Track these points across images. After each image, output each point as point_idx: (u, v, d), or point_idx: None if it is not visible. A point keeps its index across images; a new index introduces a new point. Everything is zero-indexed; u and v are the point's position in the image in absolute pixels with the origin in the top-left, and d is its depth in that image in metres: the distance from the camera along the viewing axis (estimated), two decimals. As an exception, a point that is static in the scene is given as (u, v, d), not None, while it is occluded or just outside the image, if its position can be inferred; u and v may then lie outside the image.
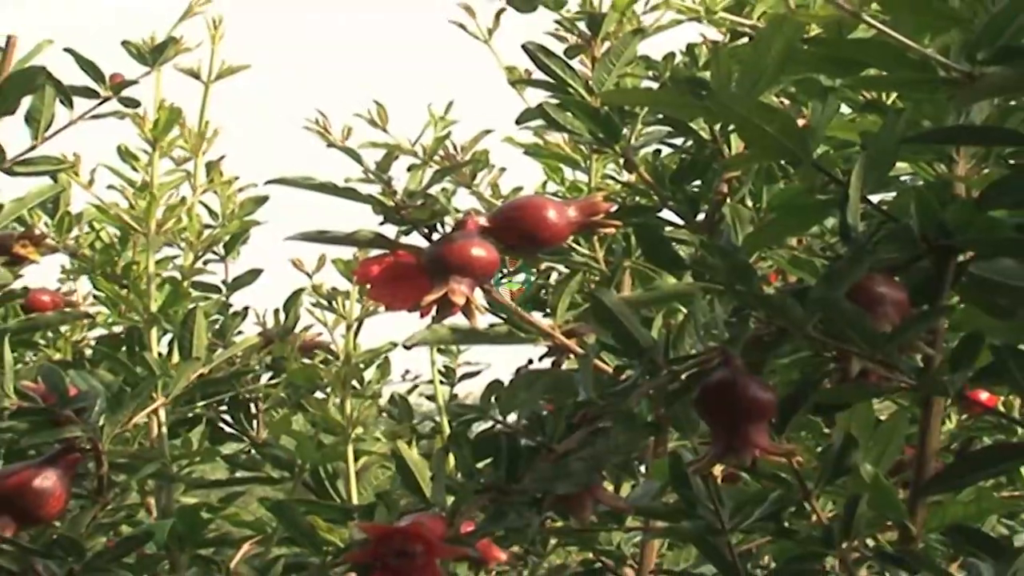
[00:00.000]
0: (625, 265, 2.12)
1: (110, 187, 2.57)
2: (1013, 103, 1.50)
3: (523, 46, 2.08)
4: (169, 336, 2.42)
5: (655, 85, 2.12)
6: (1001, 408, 1.70)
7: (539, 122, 2.16)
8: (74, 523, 1.76)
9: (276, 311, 2.53)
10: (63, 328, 2.51)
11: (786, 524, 1.60)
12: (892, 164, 1.56)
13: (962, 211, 1.46)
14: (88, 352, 2.55)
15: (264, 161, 2.54)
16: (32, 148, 2.07)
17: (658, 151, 2.03)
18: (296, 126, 2.35)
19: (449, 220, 1.63)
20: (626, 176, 2.04)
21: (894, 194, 1.57)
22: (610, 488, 1.55)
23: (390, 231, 1.64)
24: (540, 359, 1.94)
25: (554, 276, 2.26)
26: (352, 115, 2.41)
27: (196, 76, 2.58)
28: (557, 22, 2.23)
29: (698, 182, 1.93)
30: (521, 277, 2.33)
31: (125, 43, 2.24)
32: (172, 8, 2.36)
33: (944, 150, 1.58)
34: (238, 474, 2.46)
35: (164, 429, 2.28)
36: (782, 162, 1.66)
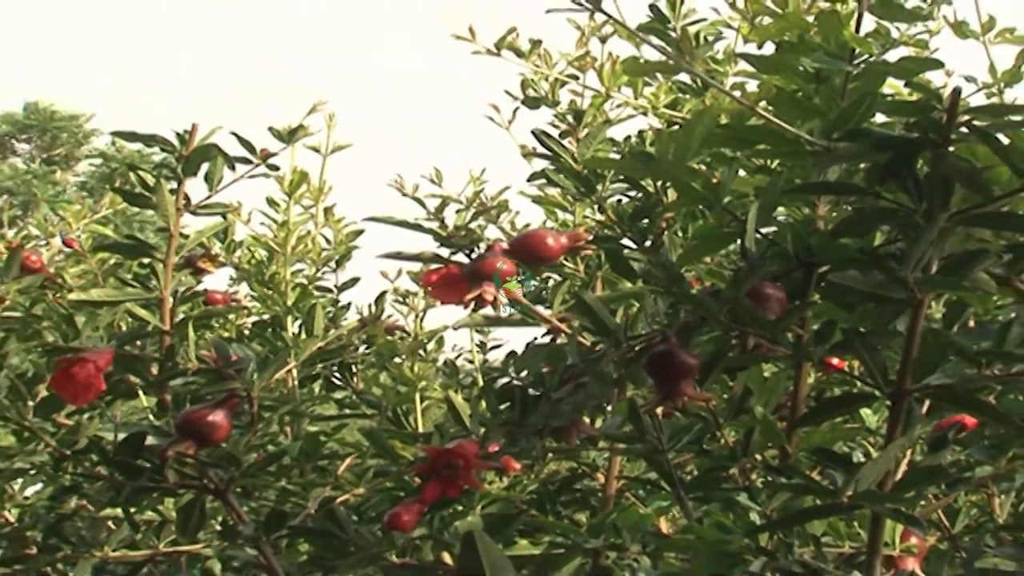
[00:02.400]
0: (598, 275, 2.11)
1: (261, 223, 2.57)
2: (854, 167, 1.48)
3: (532, 131, 2.08)
4: (299, 321, 2.41)
5: (618, 156, 2.10)
6: (846, 369, 1.68)
7: (542, 181, 2.16)
8: (234, 445, 1.74)
9: (369, 305, 2.51)
10: (230, 316, 2.49)
11: (704, 446, 1.58)
12: (775, 208, 1.54)
13: (821, 239, 1.44)
14: (246, 332, 2.53)
15: (355, 203, 2.54)
16: (208, 197, 2.06)
17: (620, 199, 2.01)
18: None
19: (482, 245, 1.61)
20: (599, 216, 2.02)
21: (775, 228, 1.54)
22: (588, 421, 1.53)
23: (443, 252, 1.63)
24: (542, 337, 1.92)
25: (551, 282, 2.24)
26: (420, 176, 2.42)
27: (317, 151, 2.57)
28: (554, 115, 2.21)
29: (646, 220, 1.90)
30: (530, 283, 2.32)
31: (270, 128, 2.23)
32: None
33: (809, 198, 1.56)
34: (344, 412, 2.45)
35: (295, 382, 2.27)
36: (701, 207, 1.63)
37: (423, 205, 2.40)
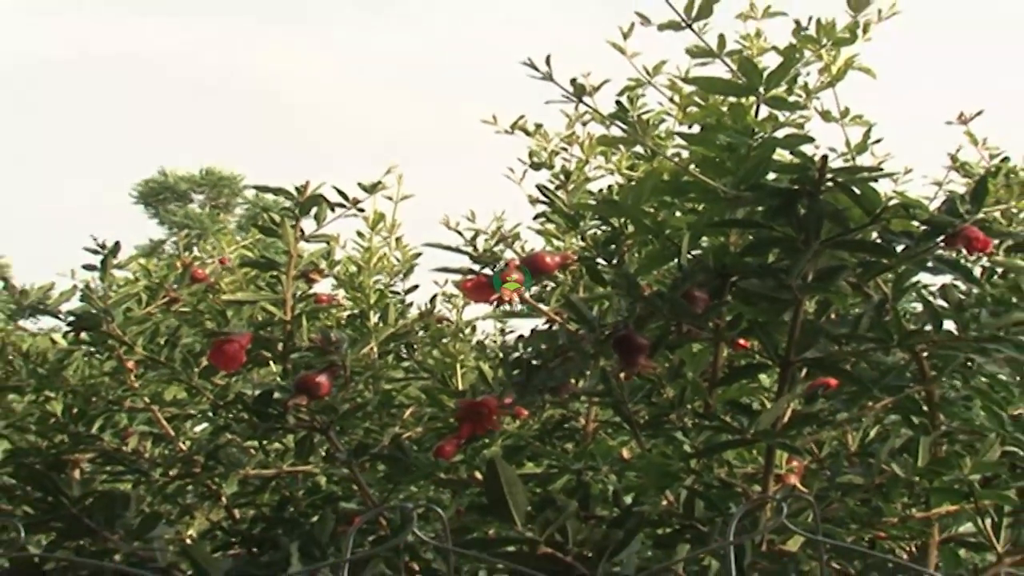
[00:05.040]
0: (580, 283, 2.09)
1: (353, 247, 2.55)
2: (755, 209, 1.46)
3: (536, 185, 2.06)
4: (378, 315, 2.38)
5: (594, 202, 2.08)
6: (750, 347, 1.65)
7: (543, 219, 2.14)
8: (334, 398, 1.72)
9: (426, 303, 2.48)
10: (331, 311, 2.46)
11: (652, 399, 1.56)
12: (701, 237, 1.53)
13: (733, 258, 1.43)
14: (342, 322, 2.50)
15: (416, 233, 2.50)
16: (317, 230, 2.05)
17: (596, 232, 1.99)
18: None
19: (502, 263, 1.60)
20: (581, 243, 2.00)
21: (701, 251, 1.52)
22: (573, 382, 1.50)
23: (475, 267, 1.61)
24: (542, 325, 1.90)
25: (549, 287, 2.22)
26: (459, 215, 2.40)
27: (390, 199, 2.54)
28: (551, 174, 2.21)
29: (613, 245, 1.88)
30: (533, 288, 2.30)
31: (359, 183, 2.21)
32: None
33: (724, 230, 1.54)
34: (408, 376, 2.42)
35: (376, 355, 2.24)
36: (651, 236, 1.61)
37: (461, 235, 2.38)
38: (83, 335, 1.97)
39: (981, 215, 1.34)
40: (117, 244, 2.03)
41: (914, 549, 1.57)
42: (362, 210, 2.17)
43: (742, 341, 1.54)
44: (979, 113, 2.36)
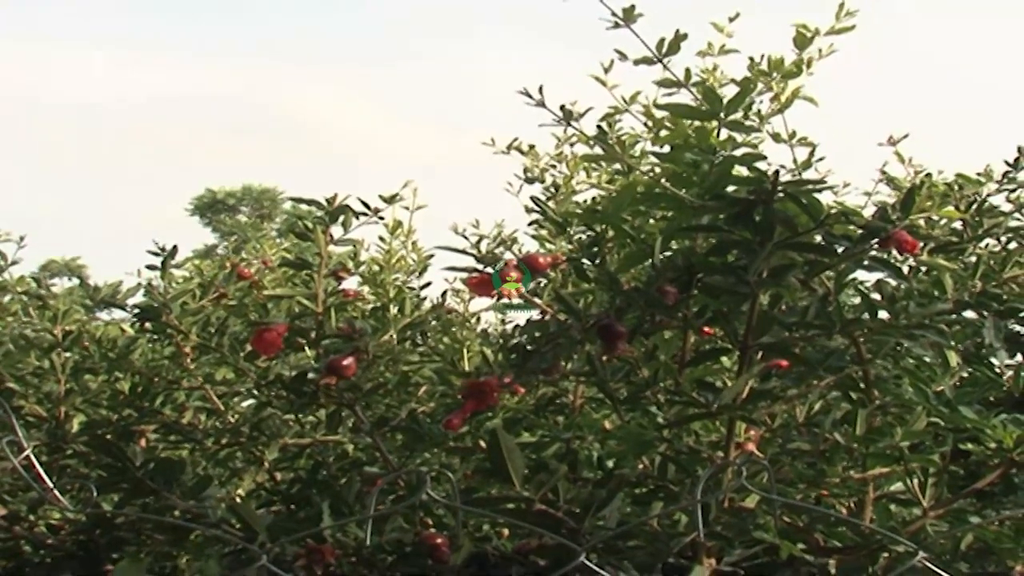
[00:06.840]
0: (569, 279, 2.07)
1: (375, 250, 2.52)
2: (717, 216, 1.44)
3: (531, 197, 2.05)
4: (396, 307, 2.35)
5: (580, 211, 2.07)
6: (714, 333, 1.64)
7: (536, 225, 2.12)
8: (358, 379, 1.71)
9: (438, 297, 2.46)
10: (356, 304, 2.44)
11: (630, 378, 1.54)
12: (671, 240, 1.52)
13: (699, 257, 1.41)
14: (366, 313, 2.48)
15: (429, 237, 2.48)
16: (344, 235, 2.02)
17: (581, 236, 1.98)
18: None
19: (502, 262, 1.58)
20: (569, 246, 1.99)
21: (671, 252, 1.51)
22: (563, 364, 1.49)
23: (479, 266, 1.59)
24: (536, 316, 1.88)
25: (542, 283, 2.20)
26: (466, 221, 2.39)
27: (407, 209, 2.51)
28: (543, 187, 2.20)
29: (596, 248, 1.86)
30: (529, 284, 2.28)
31: (380, 196, 2.18)
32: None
33: (691, 235, 1.53)
34: (423, 359, 2.39)
35: (394, 342, 2.21)
36: (629, 239, 1.60)
37: (467, 239, 2.37)
38: (147, 325, 1.97)
39: (908, 221, 1.34)
40: (175, 248, 2.04)
41: (853, 505, 1.56)
42: (383, 218, 2.15)
43: (707, 329, 1.53)
44: (905, 136, 2.36)
